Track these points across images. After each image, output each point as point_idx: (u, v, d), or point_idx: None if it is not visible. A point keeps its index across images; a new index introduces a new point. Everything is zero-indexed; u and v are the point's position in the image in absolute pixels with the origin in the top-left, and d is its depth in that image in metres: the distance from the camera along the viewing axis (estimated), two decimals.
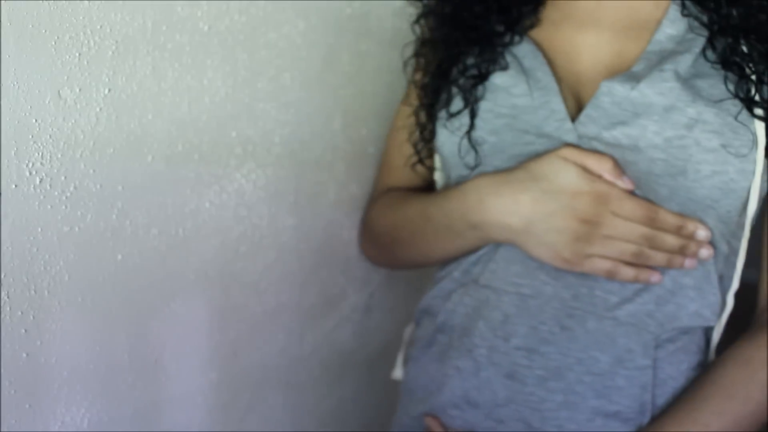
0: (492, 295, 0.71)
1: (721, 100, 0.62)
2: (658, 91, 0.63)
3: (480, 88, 0.72)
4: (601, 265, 0.66)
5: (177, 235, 0.79)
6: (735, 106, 0.62)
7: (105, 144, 0.70)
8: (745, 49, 0.62)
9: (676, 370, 0.68)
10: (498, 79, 0.72)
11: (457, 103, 0.74)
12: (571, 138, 0.67)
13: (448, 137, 0.75)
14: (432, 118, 0.78)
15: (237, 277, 0.87)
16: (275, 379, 0.96)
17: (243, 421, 0.93)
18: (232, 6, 0.80)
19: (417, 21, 0.81)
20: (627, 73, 0.65)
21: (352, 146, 1.00)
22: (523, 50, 0.72)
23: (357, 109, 0.99)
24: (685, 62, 0.64)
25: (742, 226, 0.68)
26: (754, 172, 0.62)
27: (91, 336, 0.73)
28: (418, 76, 0.82)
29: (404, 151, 0.85)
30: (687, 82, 0.63)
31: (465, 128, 0.73)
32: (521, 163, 0.68)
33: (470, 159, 0.73)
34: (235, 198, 0.85)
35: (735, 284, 0.70)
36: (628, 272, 0.66)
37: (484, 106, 0.72)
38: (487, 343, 0.70)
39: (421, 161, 0.82)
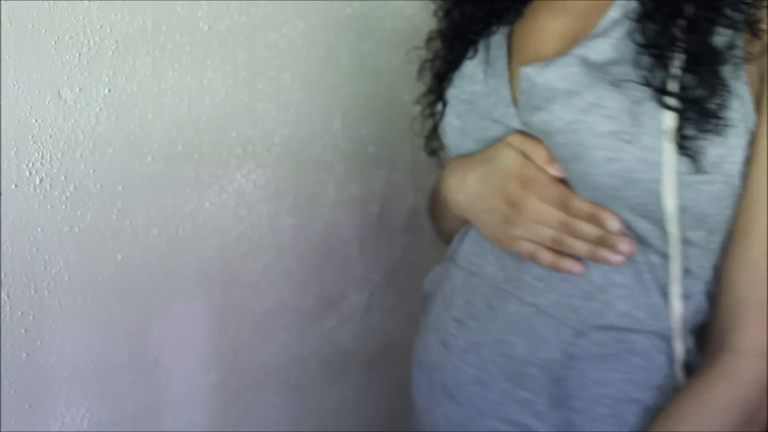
0: (453, 269, 0.77)
1: (621, 81, 0.59)
2: (561, 75, 0.63)
3: (455, 75, 0.76)
4: (525, 247, 0.67)
5: (177, 235, 0.79)
6: (643, 92, 0.59)
7: (105, 144, 0.70)
8: (675, 33, 0.59)
9: (603, 376, 0.64)
10: (465, 67, 0.75)
11: (434, 91, 0.80)
12: (516, 123, 0.69)
13: (441, 121, 0.80)
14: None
15: (237, 277, 0.87)
16: (275, 379, 0.96)
17: (243, 421, 0.93)
18: (232, 6, 0.80)
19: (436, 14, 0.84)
20: (547, 59, 0.66)
21: (352, 146, 1.00)
22: (495, 40, 0.75)
23: (357, 109, 0.99)
24: (597, 46, 0.63)
25: (676, 231, 0.63)
26: (659, 164, 0.58)
27: (91, 336, 0.73)
28: (427, 65, 0.87)
29: (422, 135, 0.88)
30: (597, 66, 0.62)
31: (438, 114, 0.78)
32: (484, 147, 0.72)
33: (445, 140, 0.78)
34: (235, 198, 0.85)
35: (681, 289, 0.64)
36: (547, 257, 0.66)
37: (452, 92, 0.76)
38: (436, 310, 0.76)
39: (434, 151, 0.86)
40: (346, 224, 1.02)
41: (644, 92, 0.59)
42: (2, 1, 0.60)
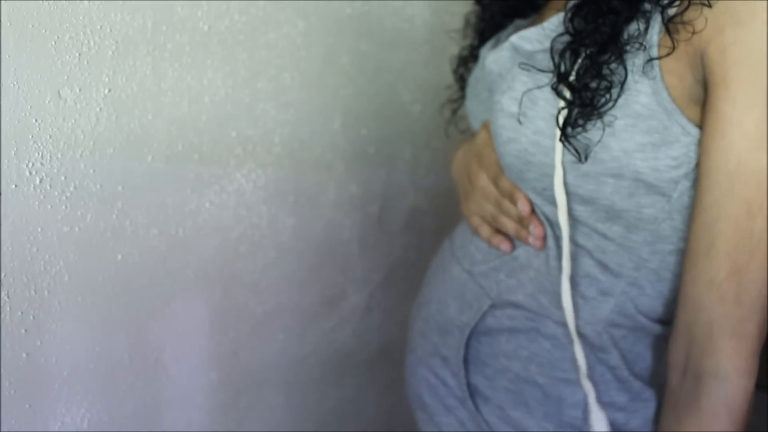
0: (447, 241, 0.81)
1: (525, 64, 0.61)
2: (495, 59, 0.67)
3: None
4: (474, 221, 0.72)
5: (177, 235, 0.79)
6: (548, 78, 0.59)
7: (105, 144, 0.70)
8: (596, 26, 0.58)
9: (512, 350, 0.67)
10: (480, 54, 0.79)
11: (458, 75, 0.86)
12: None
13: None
14: None
15: (237, 277, 0.87)
16: (275, 379, 0.96)
17: (243, 421, 0.93)
18: (232, 6, 0.80)
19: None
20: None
21: (352, 146, 1.00)
22: (508, 30, 0.77)
23: (357, 109, 0.99)
24: (534, 36, 0.63)
25: (579, 219, 0.63)
26: (552, 148, 0.59)
27: (91, 336, 0.73)
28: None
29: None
30: (524, 53, 0.63)
31: (460, 96, 0.84)
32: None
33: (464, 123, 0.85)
34: (235, 198, 0.85)
35: (564, 281, 0.63)
36: (485, 232, 0.71)
37: (469, 78, 0.81)
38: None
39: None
40: (346, 224, 1.02)
41: (549, 78, 0.59)
42: (2, 1, 0.60)
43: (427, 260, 1.06)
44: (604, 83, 0.56)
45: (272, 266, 0.92)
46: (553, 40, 0.60)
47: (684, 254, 0.59)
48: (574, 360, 0.64)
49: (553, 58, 0.59)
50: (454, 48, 0.87)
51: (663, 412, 0.62)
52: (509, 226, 0.68)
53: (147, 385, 0.79)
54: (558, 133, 0.58)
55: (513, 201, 0.66)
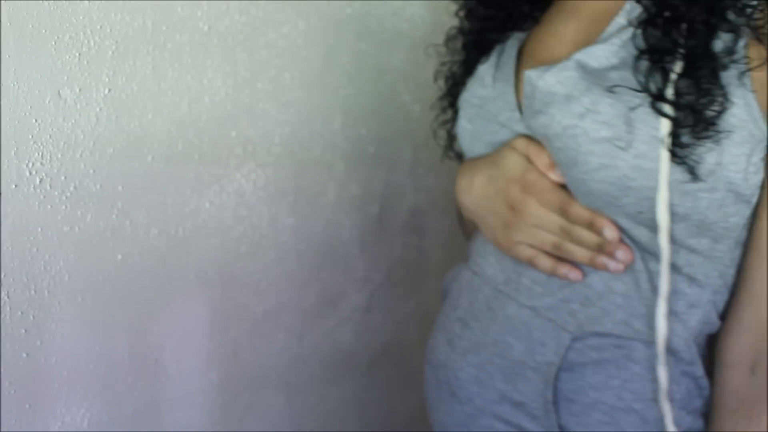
0: (463, 268, 0.78)
1: (615, 86, 0.59)
2: (559, 80, 0.63)
3: (468, 80, 0.77)
4: (524, 251, 0.68)
5: (177, 235, 0.79)
6: (639, 99, 0.58)
7: (105, 144, 0.70)
8: (676, 39, 0.58)
9: (603, 382, 0.64)
10: (477, 71, 0.76)
11: (450, 94, 0.81)
12: (521, 128, 0.69)
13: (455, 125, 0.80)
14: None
15: (237, 277, 0.87)
16: (275, 379, 0.96)
17: (243, 421, 0.93)
18: (232, 6, 0.80)
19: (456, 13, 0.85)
20: (551, 63, 0.66)
21: (352, 146, 1.00)
22: (509, 45, 0.75)
23: (357, 109, 0.99)
24: (601, 53, 0.62)
25: (675, 237, 0.62)
26: (655, 172, 0.57)
27: (91, 336, 0.73)
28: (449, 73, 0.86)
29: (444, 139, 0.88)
30: (596, 72, 0.61)
31: (451, 117, 0.79)
32: (493, 150, 0.73)
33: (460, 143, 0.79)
34: (235, 198, 0.85)
35: (661, 301, 0.62)
36: (546, 262, 0.66)
37: (464, 96, 0.76)
38: (445, 310, 0.77)
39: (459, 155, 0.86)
40: (346, 224, 1.02)
41: (640, 98, 0.58)
42: (2, 1, 0.60)
43: (427, 260, 1.05)
44: (708, 99, 0.56)
45: (272, 266, 0.92)
46: (635, 58, 0.59)
47: (751, 251, 0.59)
48: (665, 379, 0.63)
49: (637, 77, 0.58)
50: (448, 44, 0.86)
51: (720, 412, 0.61)
52: (580, 254, 0.64)
53: (147, 385, 0.79)
54: (664, 154, 0.57)
55: (595, 228, 0.63)
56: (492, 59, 0.74)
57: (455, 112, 0.77)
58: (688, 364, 0.63)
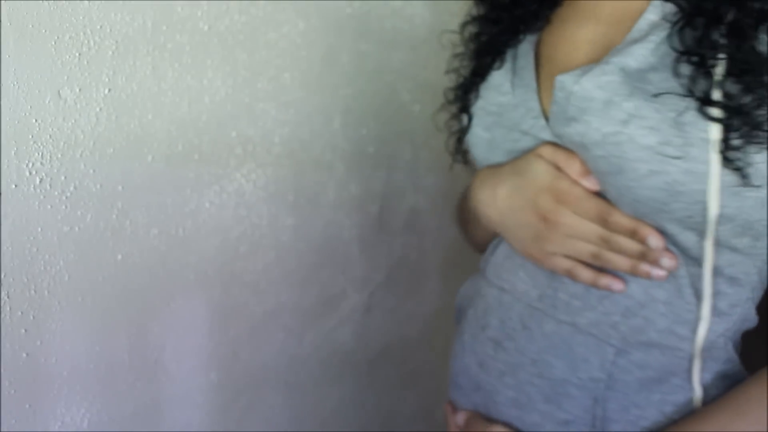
0: (485, 285, 0.74)
1: (661, 94, 0.57)
2: (598, 84, 0.60)
3: (481, 87, 0.74)
4: (561, 263, 0.65)
5: (177, 235, 0.79)
6: (684, 102, 0.56)
7: (105, 144, 0.70)
8: (717, 38, 0.56)
9: (646, 400, 0.63)
10: (492, 78, 0.73)
11: (459, 101, 0.77)
12: (547, 135, 0.66)
13: (468, 133, 0.77)
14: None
15: (237, 277, 0.87)
16: (275, 379, 0.96)
17: (243, 421, 0.93)
18: (232, 6, 0.80)
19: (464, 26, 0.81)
20: (585, 66, 0.63)
21: (352, 146, 1.00)
22: (523, 49, 0.72)
23: (357, 109, 0.99)
24: (637, 52, 0.60)
25: (719, 239, 0.61)
26: (706, 175, 0.56)
27: (91, 336, 0.73)
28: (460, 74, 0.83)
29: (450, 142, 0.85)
30: (635, 74, 0.59)
31: (464, 125, 0.75)
32: (514, 159, 0.70)
33: (473, 153, 0.76)
34: (235, 198, 0.85)
35: (705, 304, 0.62)
36: (586, 274, 0.64)
37: (478, 104, 0.73)
38: (471, 330, 0.73)
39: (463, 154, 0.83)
40: (346, 224, 1.02)
41: (687, 102, 0.56)
42: (2, 1, 0.60)
43: (427, 260, 1.05)
44: (757, 100, 0.54)
45: (272, 266, 0.92)
46: (674, 58, 0.57)
47: None
48: (700, 386, 0.63)
49: (679, 80, 0.57)
50: (455, 48, 0.86)
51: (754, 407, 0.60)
52: (621, 262, 0.62)
53: (147, 385, 0.79)
54: (714, 158, 0.55)
55: (638, 237, 0.61)
56: (507, 65, 0.72)
57: (469, 120, 0.74)
58: (725, 362, 0.63)
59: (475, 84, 0.75)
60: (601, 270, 0.64)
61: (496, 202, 0.69)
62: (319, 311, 1.00)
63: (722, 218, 0.58)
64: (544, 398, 0.66)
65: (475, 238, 0.84)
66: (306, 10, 0.88)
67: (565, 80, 0.63)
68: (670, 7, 0.61)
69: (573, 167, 0.64)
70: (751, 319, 0.64)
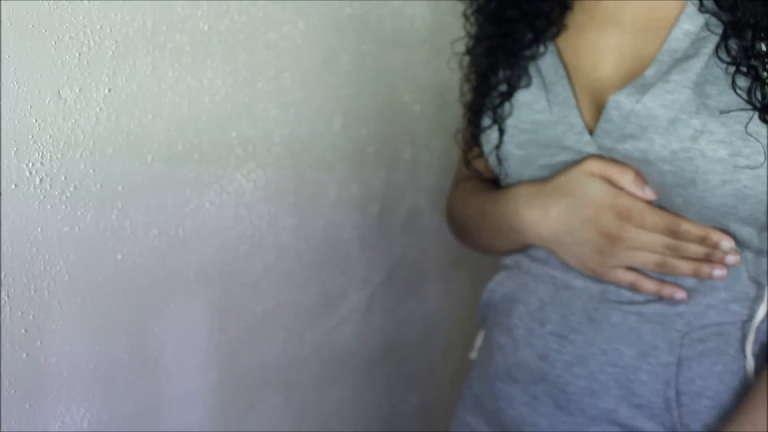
0: (531, 281, 0.76)
1: (727, 111, 0.60)
2: (662, 103, 0.63)
3: (507, 105, 0.75)
4: (624, 277, 0.68)
5: (177, 235, 0.79)
6: (746, 113, 0.60)
7: (105, 144, 0.70)
8: (763, 48, 0.59)
9: (707, 370, 0.67)
10: (521, 96, 0.74)
11: (487, 120, 0.77)
12: (592, 149, 0.68)
13: (485, 149, 0.78)
14: (477, 129, 0.80)
15: (237, 277, 0.87)
16: (275, 379, 0.96)
17: (243, 421, 0.93)
18: (232, 6, 0.80)
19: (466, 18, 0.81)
20: (635, 83, 0.65)
21: (352, 146, 1.00)
22: (546, 63, 0.73)
23: (357, 109, 0.99)
24: (694, 67, 0.62)
25: None
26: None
27: (91, 336, 0.73)
28: (470, 77, 0.82)
29: (461, 146, 0.85)
30: (695, 89, 0.62)
31: (494, 143, 0.76)
32: (553, 175, 0.72)
33: (501, 171, 0.76)
34: (235, 198, 0.85)
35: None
36: (650, 286, 0.67)
37: (510, 122, 0.74)
38: (525, 325, 0.75)
39: (469, 162, 0.83)
40: (346, 224, 1.02)
41: (748, 112, 0.60)
42: (2, 1, 0.60)
43: (427, 260, 1.05)
44: None
45: (272, 266, 0.92)
46: (726, 69, 0.61)
47: None
48: (751, 356, 0.68)
49: (737, 91, 0.60)
50: (455, 47, 0.86)
51: None
52: (684, 267, 0.66)
53: (147, 385, 0.79)
54: None
55: (709, 242, 0.65)
56: (535, 81, 0.73)
57: (501, 135, 0.75)
58: (766, 335, 0.68)
59: (502, 100, 0.75)
60: (664, 281, 0.67)
61: (548, 222, 0.71)
62: (319, 311, 1.00)
63: None
64: (618, 385, 0.69)
65: (490, 247, 0.84)
66: (306, 10, 0.88)
67: (621, 99, 0.65)
68: (708, 17, 0.63)
69: (627, 178, 0.66)
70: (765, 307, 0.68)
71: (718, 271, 0.65)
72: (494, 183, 0.85)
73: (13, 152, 0.63)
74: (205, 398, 0.87)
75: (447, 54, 0.86)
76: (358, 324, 1.08)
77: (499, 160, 0.75)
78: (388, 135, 1.06)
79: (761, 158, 0.60)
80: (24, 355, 0.67)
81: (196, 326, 0.84)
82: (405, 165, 1.09)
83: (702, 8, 0.63)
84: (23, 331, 0.67)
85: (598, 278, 0.70)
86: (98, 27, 0.67)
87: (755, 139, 0.60)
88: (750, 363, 0.67)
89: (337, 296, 1.03)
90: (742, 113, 0.60)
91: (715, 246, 0.65)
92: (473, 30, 0.80)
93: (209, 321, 0.85)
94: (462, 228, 0.89)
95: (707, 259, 0.66)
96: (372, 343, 1.12)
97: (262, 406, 0.95)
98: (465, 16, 0.80)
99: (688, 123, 0.61)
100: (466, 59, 0.82)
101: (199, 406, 0.86)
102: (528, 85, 0.74)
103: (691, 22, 0.64)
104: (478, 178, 0.86)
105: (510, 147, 0.74)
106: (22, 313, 0.66)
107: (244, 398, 0.92)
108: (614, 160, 0.67)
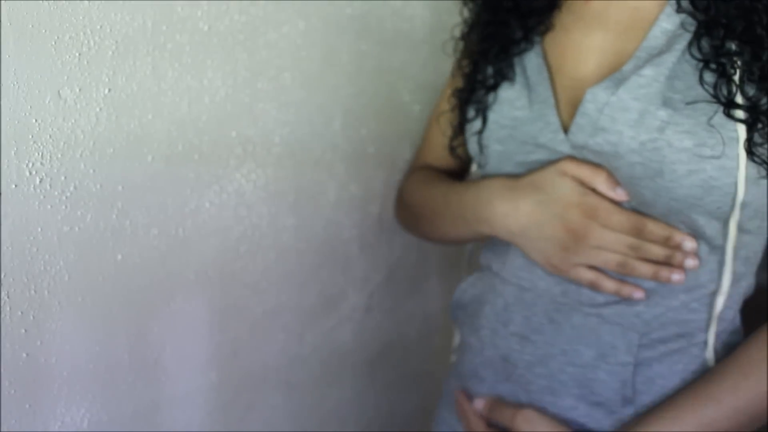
0: (499, 283, 0.77)
1: (693, 102, 0.62)
2: (635, 96, 0.64)
3: (491, 97, 0.76)
4: (585, 275, 0.69)
5: (177, 235, 0.79)
6: (711, 106, 0.62)
7: (105, 144, 0.70)
8: (732, 47, 0.62)
9: (668, 369, 0.68)
10: (504, 92, 0.75)
11: (471, 111, 0.79)
12: (565, 148, 0.70)
13: (468, 138, 0.80)
14: (463, 116, 0.82)
15: (237, 277, 0.87)
16: (275, 379, 0.96)
17: (243, 421, 0.93)
18: (232, 6, 0.80)
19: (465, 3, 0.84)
20: (612, 77, 0.67)
21: (352, 146, 1.00)
22: (532, 63, 0.75)
23: (357, 109, 0.99)
24: (666, 62, 0.64)
25: (739, 224, 0.67)
26: (737, 168, 0.62)
27: (91, 336, 0.73)
28: (463, 63, 0.84)
29: (446, 132, 0.86)
30: (666, 83, 0.64)
31: (477, 132, 0.77)
32: (528, 172, 0.73)
33: (482, 159, 0.78)
34: (235, 198, 0.85)
35: (725, 283, 0.68)
36: (610, 285, 0.68)
37: (491, 117, 0.76)
38: (490, 325, 0.77)
39: (453, 149, 0.85)
40: (346, 224, 1.02)
41: (714, 106, 0.61)
42: (2, 1, 0.60)
43: (427, 260, 1.05)
44: None
45: (272, 266, 0.92)
46: (696, 66, 0.63)
47: None
48: (712, 354, 0.69)
49: (705, 86, 0.62)
50: (449, 48, 0.86)
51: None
52: (644, 269, 0.67)
53: (147, 385, 0.79)
54: (743, 154, 0.62)
55: (672, 242, 0.66)
56: (518, 79, 0.75)
57: (483, 124, 0.76)
58: (731, 334, 0.70)
59: (487, 91, 0.77)
60: (624, 281, 0.68)
61: (518, 216, 0.72)
62: (319, 311, 1.00)
63: (742, 205, 0.64)
64: (577, 384, 0.70)
65: (441, 231, 0.86)
66: (306, 10, 0.88)
67: (598, 93, 0.66)
68: (685, 17, 0.65)
69: (599, 179, 0.68)
70: (750, 287, 0.70)
71: (677, 276, 0.66)
72: (451, 174, 0.88)
73: (13, 152, 0.63)
74: (205, 398, 0.87)
75: (447, 54, 0.86)
76: (357, 324, 1.08)
77: (480, 148, 0.77)
78: (388, 135, 1.06)
79: (724, 149, 0.61)
80: (24, 355, 0.67)
81: (196, 326, 0.84)
82: (405, 165, 1.09)
83: (679, 8, 0.65)
84: (23, 331, 0.67)
85: (559, 275, 0.71)
86: (98, 27, 0.67)
87: (717, 131, 0.61)
88: (711, 362, 0.68)
89: (337, 296, 1.03)
90: (707, 107, 0.62)
91: (678, 246, 0.66)
92: (470, 17, 0.82)
93: (209, 321, 0.85)
94: (415, 214, 0.90)
95: (668, 262, 0.67)
96: (371, 343, 1.12)
97: (262, 406, 0.95)
98: (463, 0, 0.82)
99: (656, 114, 0.63)
100: (461, 44, 0.84)
101: (199, 406, 0.86)
102: (512, 82, 0.75)
103: (669, 21, 0.66)
104: (438, 170, 0.89)
105: (490, 141, 0.75)
106: (22, 313, 0.66)
107: (244, 398, 0.92)
108: (588, 162, 0.68)
